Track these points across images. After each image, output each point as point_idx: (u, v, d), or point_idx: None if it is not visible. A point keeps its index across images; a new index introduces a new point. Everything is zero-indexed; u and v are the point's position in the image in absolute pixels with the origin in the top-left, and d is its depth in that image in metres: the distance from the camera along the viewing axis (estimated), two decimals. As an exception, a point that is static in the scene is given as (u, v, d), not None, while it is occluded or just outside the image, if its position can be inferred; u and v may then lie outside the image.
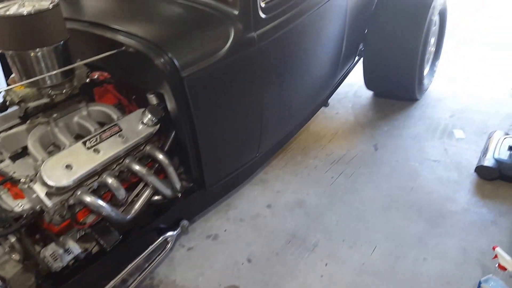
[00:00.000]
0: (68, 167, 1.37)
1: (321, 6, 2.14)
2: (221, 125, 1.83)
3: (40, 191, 1.34)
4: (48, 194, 1.35)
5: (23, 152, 1.54)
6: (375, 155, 2.56)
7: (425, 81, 3.07)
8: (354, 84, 3.29)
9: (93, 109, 1.69)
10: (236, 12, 1.72)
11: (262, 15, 1.77)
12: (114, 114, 1.67)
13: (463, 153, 2.52)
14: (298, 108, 2.39)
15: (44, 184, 1.32)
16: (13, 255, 1.42)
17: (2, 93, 1.49)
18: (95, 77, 1.63)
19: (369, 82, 3.07)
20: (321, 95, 2.63)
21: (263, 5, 1.77)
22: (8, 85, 1.78)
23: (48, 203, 1.33)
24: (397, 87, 2.97)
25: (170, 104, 1.65)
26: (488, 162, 2.28)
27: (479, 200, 2.17)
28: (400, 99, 3.06)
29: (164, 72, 1.53)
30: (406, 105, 3.02)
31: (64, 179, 1.34)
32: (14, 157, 1.52)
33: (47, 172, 1.33)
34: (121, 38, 1.60)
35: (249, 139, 2.03)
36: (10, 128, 1.56)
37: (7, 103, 1.48)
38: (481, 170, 2.30)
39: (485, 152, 2.38)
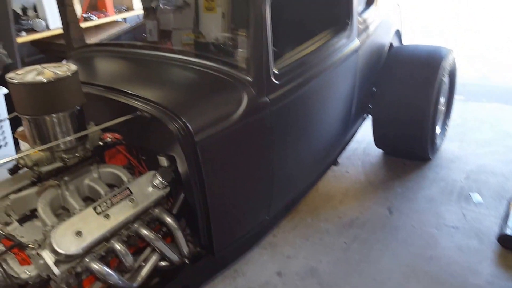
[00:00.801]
0: (78, 233, 1.41)
1: (333, 69, 2.29)
2: (232, 187, 1.90)
3: (48, 258, 1.37)
4: (57, 262, 1.38)
5: (32, 214, 1.60)
6: (390, 219, 2.58)
7: (437, 141, 3.17)
8: (362, 141, 3.37)
9: (103, 170, 1.76)
10: (250, 79, 1.84)
11: (275, 81, 1.90)
12: (124, 176, 1.74)
13: (482, 219, 2.54)
14: (309, 169, 2.46)
15: (53, 251, 1.36)
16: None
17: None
18: (108, 139, 1.73)
19: (379, 141, 3.16)
20: (331, 155, 2.73)
21: (276, 71, 1.90)
22: (15, 138, 1.88)
23: (56, 271, 1.37)
24: (409, 147, 3.04)
25: (181, 167, 1.73)
26: (511, 231, 2.29)
27: (503, 272, 2.15)
28: (411, 158, 3.13)
29: (177, 137, 1.63)
30: (418, 165, 3.08)
31: (74, 247, 1.38)
32: (22, 220, 1.58)
33: (57, 239, 1.37)
34: (135, 103, 1.72)
35: (260, 201, 2.09)
36: (20, 189, 1.63)
37: (20, 166, 1.56)
38: (504, 240, 2.30)
39: (506, 219, 2.39)
